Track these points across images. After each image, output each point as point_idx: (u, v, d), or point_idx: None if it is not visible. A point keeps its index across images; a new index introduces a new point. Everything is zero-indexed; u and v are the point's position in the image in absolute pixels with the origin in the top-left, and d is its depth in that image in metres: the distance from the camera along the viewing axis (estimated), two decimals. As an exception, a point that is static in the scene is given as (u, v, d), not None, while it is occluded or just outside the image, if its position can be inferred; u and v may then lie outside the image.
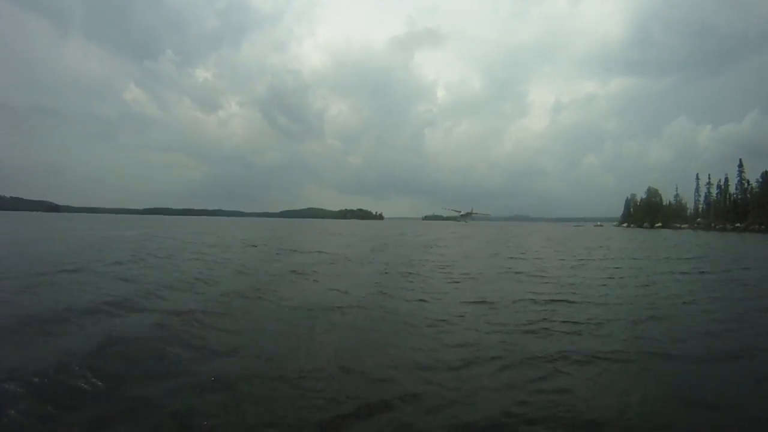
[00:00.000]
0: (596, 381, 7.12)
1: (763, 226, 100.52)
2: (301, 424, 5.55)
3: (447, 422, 5.64)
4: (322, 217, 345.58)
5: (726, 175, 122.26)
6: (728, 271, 22.83)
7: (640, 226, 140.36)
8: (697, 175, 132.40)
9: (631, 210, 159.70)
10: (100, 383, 6.38)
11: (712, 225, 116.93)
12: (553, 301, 13.70)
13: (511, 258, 29.43)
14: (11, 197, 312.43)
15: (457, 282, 17.68)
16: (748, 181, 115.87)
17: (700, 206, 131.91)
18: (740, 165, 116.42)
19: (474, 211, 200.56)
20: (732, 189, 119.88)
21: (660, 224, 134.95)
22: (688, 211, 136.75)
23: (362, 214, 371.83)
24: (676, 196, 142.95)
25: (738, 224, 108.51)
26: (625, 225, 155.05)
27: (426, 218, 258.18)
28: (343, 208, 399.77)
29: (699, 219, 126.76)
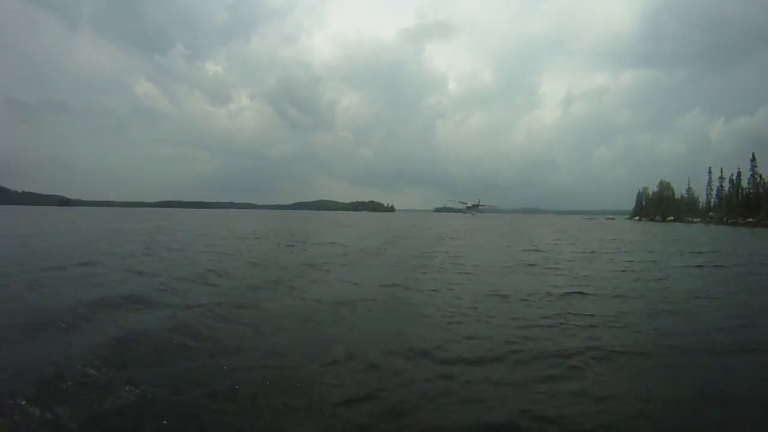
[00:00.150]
0: (614, 377, 7.01)
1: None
2: (314, 418, 5.54)
3: (461, 419, 5.59)
4: (334, 209, 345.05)
5: (738, 169, 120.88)
6: (742, 265, 22.62)
7: (652, 220, 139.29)
8: (710, 168, 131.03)
9: (643, 203, 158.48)
10: (112, 376, 6.35)
11: (724, 219, 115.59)
12: (567, 294, 13.62)
13: (525, 250, 29.28)
14: (23, 192, 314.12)
15: (469, 273, 17.67)
16: (760, 176, 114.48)
17: (713, 200, 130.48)
18: (753, 159, 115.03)
19: (481, 203, 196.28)
20: (744, 183, 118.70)
21: (672, 218, 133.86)
22: (701, 205, 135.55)
23: (373, 206, 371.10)
24: (689, 189, 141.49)
25: (750, 219, 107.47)
26: (636, 218, 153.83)
27: (437, 210, 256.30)
28: (355, 200, 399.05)
29: (711, 213, 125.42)
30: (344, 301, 12.06)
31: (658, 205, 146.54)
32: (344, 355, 7.69)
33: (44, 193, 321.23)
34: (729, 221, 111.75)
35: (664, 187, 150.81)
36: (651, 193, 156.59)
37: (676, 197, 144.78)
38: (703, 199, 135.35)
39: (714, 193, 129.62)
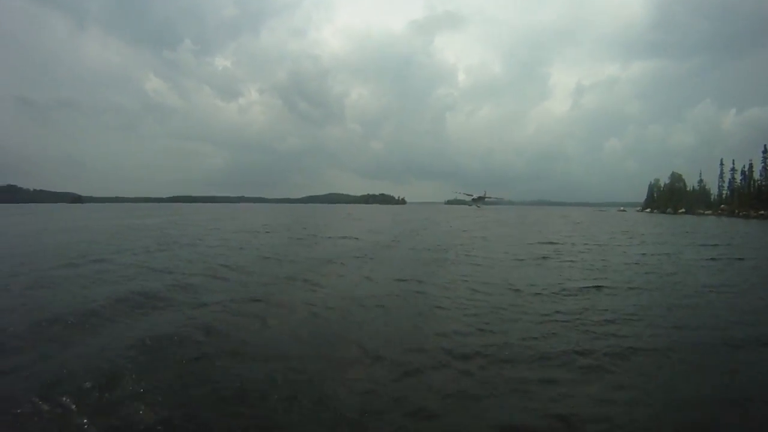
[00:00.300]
0: (634, 375, 6.92)
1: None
2: (330, 419, 5.54)
3: (482, 420, 5.57)
4: (345, 202, 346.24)
5: (750, 160, 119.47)
6: (754, 258, 22.39)
7: (663, 212, 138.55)
8: (722, 160, 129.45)
9: (655, 195, 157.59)
10: (127, 377, 6.34)
11: (736, 212, 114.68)
12: (583, 288, 13.55)
13: (539, 243, 29.08)
14: (34, 190, 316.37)
15: (482, 265, 17.50)
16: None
17: (724, 192, 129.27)
18: (765, 150, 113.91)
19: (487, 195, 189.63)
20: (756, 175, 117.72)
21: (683, 210, 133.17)
22: (712, 197, 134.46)
23: (384, 199, 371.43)
24: (700, 181, 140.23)
25: (762, 211, 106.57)
26: (648, 210, 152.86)
27: (448, 202, 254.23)
28: (366, 193, 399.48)
29: (723, 205, 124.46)
30: (359, 296, 12.11)
31: (670, 197, 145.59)
32: (360, 353, 7.69)
33: (56, 190, 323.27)
34: (741, 213, 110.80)
35: (676, 178, 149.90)
36: (662, 184, 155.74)
37: (688, 189, 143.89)
38: (714, 191, 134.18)
39: (726, 185, 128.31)
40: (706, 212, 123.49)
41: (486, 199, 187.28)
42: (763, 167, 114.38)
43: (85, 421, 5.24)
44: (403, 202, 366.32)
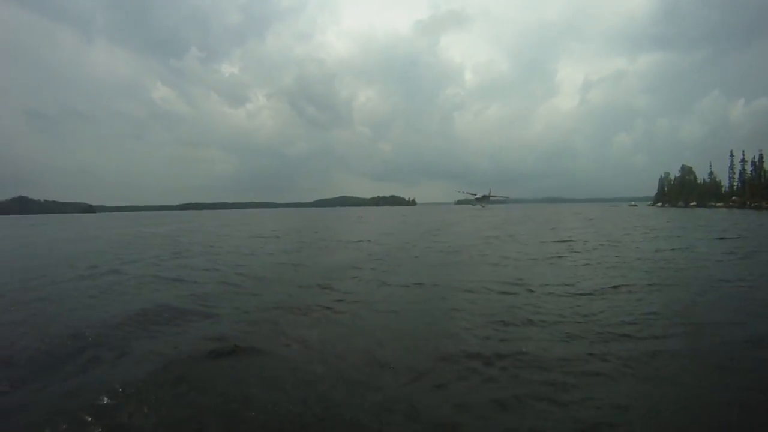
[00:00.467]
0: (658, 380, 6.69)
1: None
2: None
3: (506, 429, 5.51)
4: (355, 205, 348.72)
5: (761, 151, 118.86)
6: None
7: (675, 205, 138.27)
8: (731, 151, 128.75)
9: (665, 189, 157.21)
10: (154, 399, 6.28)
11: (747, 203, 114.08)
12: (600, 287, 13.36)
13: (554, 242, 28.75)
14: (45, 200, 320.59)
15: (496, 264, 17.45)
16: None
17: (735, 184, 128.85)
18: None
19: (492, 194, 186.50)
20: (767, 166, 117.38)
21: (695, 203, 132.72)
22: (723, 189, 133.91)
23: (395, 201, 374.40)
24: (710, 174, 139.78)
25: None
26: (659, 204, 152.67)
27: (458, 202, 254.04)
28: (376, 195, 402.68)
29: (734, 197, 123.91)
30: (374, 300, 12.13)
31: (680, 191, 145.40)
32: (377, 359, 7.62)
33: (67, 200, 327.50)
34: (752, 205, 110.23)
35: (686, 171, 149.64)
36: (673, 178, 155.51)
37: (698, 182, 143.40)
38: (725, 183, 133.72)
39: (736, 176, 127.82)
40: (717, 205, 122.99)
41: (491, 198, 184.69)
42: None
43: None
44: (413, 203, 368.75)
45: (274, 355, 7.97)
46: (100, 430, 5.38)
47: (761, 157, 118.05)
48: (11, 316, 11.11)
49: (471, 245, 27.85)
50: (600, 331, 8.96)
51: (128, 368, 7.28)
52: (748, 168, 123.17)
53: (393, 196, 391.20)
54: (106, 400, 6.03)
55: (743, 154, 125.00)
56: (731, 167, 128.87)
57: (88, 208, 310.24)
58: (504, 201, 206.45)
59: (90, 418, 5.58)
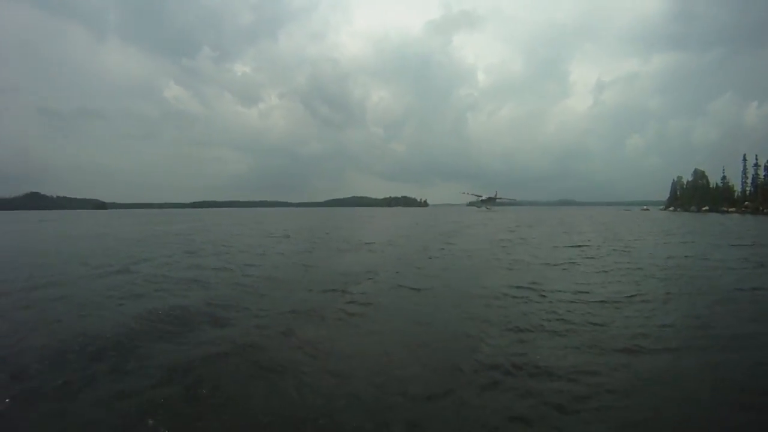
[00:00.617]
0: (676, 397, 6.52)
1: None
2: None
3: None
4: (367, 206, 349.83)
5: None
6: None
7: (687, 210, 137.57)
8: (744, 155, 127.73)
9: (678, 193, 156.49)
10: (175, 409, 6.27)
11: (760, 208, 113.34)
12: (615, 294, 13.22)
13: (567, 246, 28.58)
14: (57, 196, 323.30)
15: (511, 269, 17.38)
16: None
17: (748, 189, 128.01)
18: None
19: (499, 196, 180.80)
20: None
21: (707, 208, 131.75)
22: (736, 193, 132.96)
23: (407, 202, 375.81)
24: (723, 178, 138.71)
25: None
26: (671, 209, 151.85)
27: (470, 204, 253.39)
28: (388, 196, 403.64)
29: (747, 202, 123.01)
30: (386, 306, 12.04)
31: (693, 195, 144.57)
32: (395, 372, 7.51)
33: (79, 197, 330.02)
34: (765, 211, 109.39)
35: (699, 175, 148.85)
36: (685, 182, 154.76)
37: (711, 186, 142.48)
38: (738, 187, 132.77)
39: (749, 181, 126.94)
40: (729, 210, 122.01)
41: (497, 200, 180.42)
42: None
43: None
44: (425, 204, 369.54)
45: (283, 360, 7.93)
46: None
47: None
48: (21, 315, 11.17)
49: (483, 249, 27.86)
50: (614, 341, 8.85)
51: (139, 373, 7.28)
52: (761, 172, 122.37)
53: (405, 197, 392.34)
54: (115, 406, 6.08)
55: (756, 158, 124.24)
56: (744, 171, 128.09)
57: (101, 205, 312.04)
58: (511, 203, 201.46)
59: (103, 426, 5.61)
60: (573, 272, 17.73)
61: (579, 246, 28.69)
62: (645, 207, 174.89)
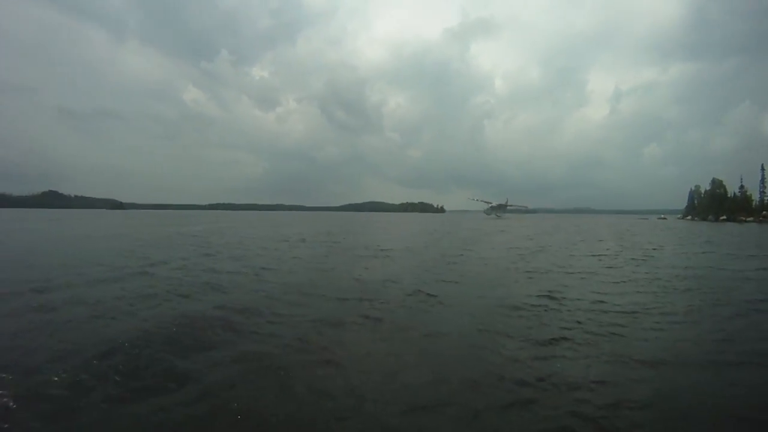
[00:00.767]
0: (696, 416, 6.42)
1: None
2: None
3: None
4: (384, 211, 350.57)
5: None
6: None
7: (705, 219, 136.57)
8: (762, 165, 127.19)
9: (695, 202, 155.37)
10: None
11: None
12: (635, 308, 12.97)
13: (585, 256, 28.43)
14: (75, 196, 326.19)
15: (530, 278, 17.35)
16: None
17: (766, 198, 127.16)
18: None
19: (509, 203, 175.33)
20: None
21: (725, 217, 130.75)
22: (754, 203, 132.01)
23: (423, 207, 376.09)
24: (741, 187, 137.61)
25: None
26: (689, 218, 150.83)
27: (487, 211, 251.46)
28: (405, 201, 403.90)
29: (765, 212, 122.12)
30: (409, 318, 11.86)
31: (710, 204, 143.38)
32: (420, 389, 7.40)
33: (97, 196, 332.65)
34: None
35: (716, 185, 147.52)
36: (703, 191, 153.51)
37: (729, 196, 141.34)
38: (756, 197, 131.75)
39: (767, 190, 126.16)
40: (747, 219, 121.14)
41: (508, 208, 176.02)
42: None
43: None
44: (442, 210, 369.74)
45: (296, 367, 7.95)
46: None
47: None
48: (37, 317, 11.10)
49: (501, 257, 27.80)
50: (634, 354, 8.77)
51: (150, 378, 7.31)
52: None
53: (422, 203, 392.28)
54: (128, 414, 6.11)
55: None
56: (762, 181, 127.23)
57: (118, 205, 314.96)
58: (522, 210, 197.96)
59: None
60: (591, 281, 17.61)
61: (597, 255, 28.57)
62: (662, 216, 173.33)
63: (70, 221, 79.96)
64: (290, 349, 8.93)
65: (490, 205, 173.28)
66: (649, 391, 7.05)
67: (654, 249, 34.14)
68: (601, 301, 13.73)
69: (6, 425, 5.83)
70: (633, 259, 26.50)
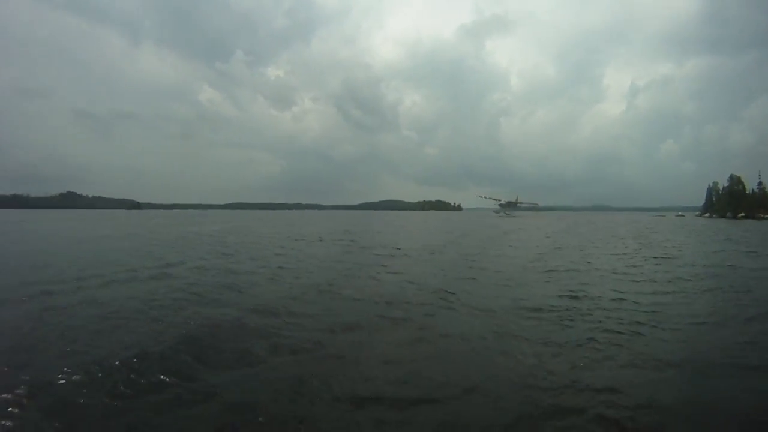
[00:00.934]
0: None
1: None
2: None
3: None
4: (401, 209, 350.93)
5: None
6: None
7: (723, 216, 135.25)
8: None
9: (713, 199, 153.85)
10: None
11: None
12: (661, 309, 12.72)
13: (606, 254, 28.22)
14: (93, 196, 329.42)
15: (547, 281, 17.22)
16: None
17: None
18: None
19: (519, 201, 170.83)
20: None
21: (743, 214, 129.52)
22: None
23: (440, 206, 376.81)
24: (759, 184, 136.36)
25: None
26: (707, 215, 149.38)
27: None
28: (422, 200, 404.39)
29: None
30: (431, 324, 11.76)
31: (729, 201, 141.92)
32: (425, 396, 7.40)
33: (114, 197, 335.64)
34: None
35: (734, 181, 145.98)
36: (721, 188, 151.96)
37: (747, 192, 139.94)
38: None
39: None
40: (766, 216, 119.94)
41: (518, 205, 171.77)
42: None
43: None
44: (459, 208, 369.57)
45: (314, 368, 7.94)
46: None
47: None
48: (50, 317, 11.07)
49: (520, 256, 27.74)
50: (658, 355, 8.69)
51: (167, 383, 7.22)
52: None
53: (439, 201, 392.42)
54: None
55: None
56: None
57: (135, 205, 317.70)
58: (533, 208, 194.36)
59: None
60: (611, 280, 17.51)
61: (616, 254, 28.37)
62: (680, 213, 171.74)
63: (88, 222, 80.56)
64: (306, 352, 8.91)
65: (499, 202, 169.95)
66: (673, 394, 6.96)
67: (673, 247, 33.87)
68: (622, 299, 13.69)
69: (17, 423, 5.89)
70: (654, 257, 26.28)
